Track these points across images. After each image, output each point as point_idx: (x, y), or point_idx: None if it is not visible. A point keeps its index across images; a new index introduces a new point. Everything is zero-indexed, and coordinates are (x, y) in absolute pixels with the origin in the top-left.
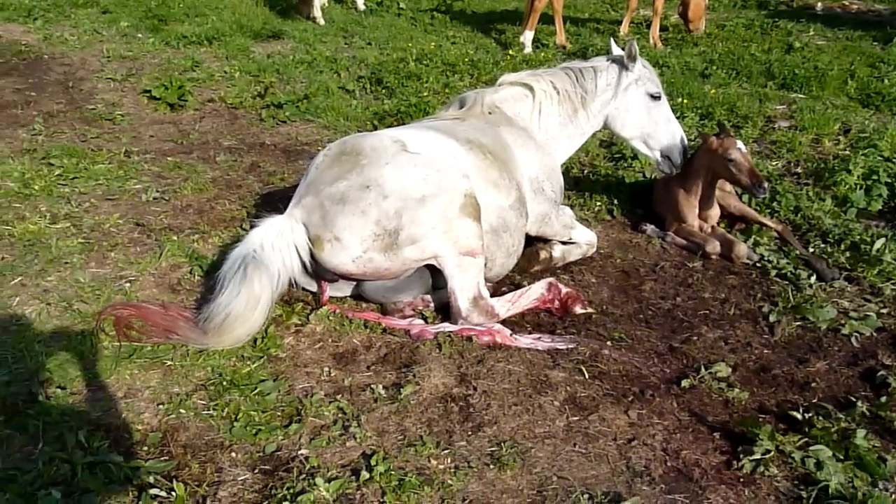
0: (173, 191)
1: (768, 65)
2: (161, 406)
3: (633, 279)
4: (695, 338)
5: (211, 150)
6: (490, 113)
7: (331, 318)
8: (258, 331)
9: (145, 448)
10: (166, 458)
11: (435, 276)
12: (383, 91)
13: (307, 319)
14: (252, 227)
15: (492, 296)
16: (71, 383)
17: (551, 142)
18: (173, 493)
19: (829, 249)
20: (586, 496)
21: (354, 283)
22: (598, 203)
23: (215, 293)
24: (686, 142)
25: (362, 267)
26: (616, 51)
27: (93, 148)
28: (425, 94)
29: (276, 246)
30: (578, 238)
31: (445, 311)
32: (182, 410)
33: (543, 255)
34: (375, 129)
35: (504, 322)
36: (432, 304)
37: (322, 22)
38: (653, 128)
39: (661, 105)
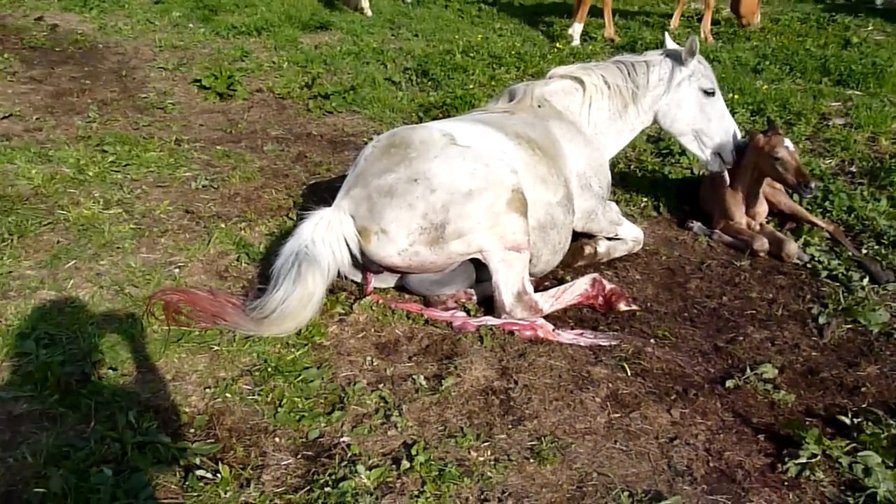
0: (222, 179)
1: (824, 60)
2: (208, 390)
3: (679, 277)
4: (741, 338)
5: (259, 139)
6: (539, 106)
7: (374, 308)
8: (307, 324)
9: (192, 430)
10: (212, 440)
11: (479, 270)
12: (429, 83)
13: (351, 309)
14: (301, 218)
15: (535, 290)
16: (122, 365)
17: (600, 137)
18: (219, 475)
19: (883, 251)
20: (626, 493)
21: (399, 275)
22: (645, 199)
23: (270, 288)
24: (739, 138)
25: (408, 260)
26: (670, 45)
27: (145, 136)
28: (471, 86)
29: (327, 240)
30: (624, 234)
31: (488, 304)
32: (228, 395)
33: (588, 250)
34: (421, 120)
35: (547, 317)
36: (475, 297)
37: (369, 13)
38: (705, 124)
39: (715, 101)
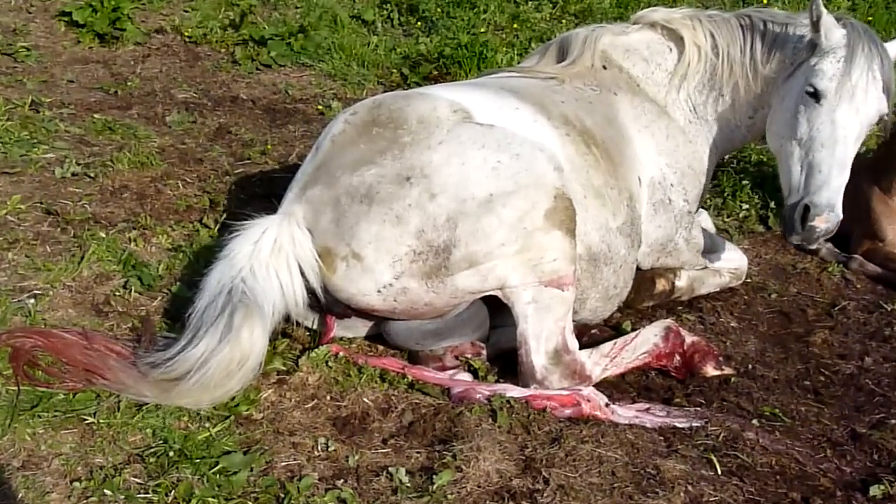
0: (102, 164)
1: None
2: (77, 484)
3: (797, 325)
4: (893, 421)
5: (159, 105)
6: (605, 68)
7: (331, 364)
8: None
9: None
10: None
11: (494, 312)
12: (418, 24)
13: (296, 365)
14: (231, 232)
15: (580, 345)
16: None
17: (696, 128)
18: None
19: None
20: None
21: (375, 321)
22: (746, 206)
23: (183, 339)
24: (837, 210)
25: (392, 300)
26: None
27: None
28: (482, 29)
29: (272, 269)
30: (719, 263)
31: (507, 362)
32: (107, 491)
33: (662, 285)
34: (406, 80)
35: (597, 385)
36: (486, 352)
37: None
38: (792, 146)
39: (826, 112)
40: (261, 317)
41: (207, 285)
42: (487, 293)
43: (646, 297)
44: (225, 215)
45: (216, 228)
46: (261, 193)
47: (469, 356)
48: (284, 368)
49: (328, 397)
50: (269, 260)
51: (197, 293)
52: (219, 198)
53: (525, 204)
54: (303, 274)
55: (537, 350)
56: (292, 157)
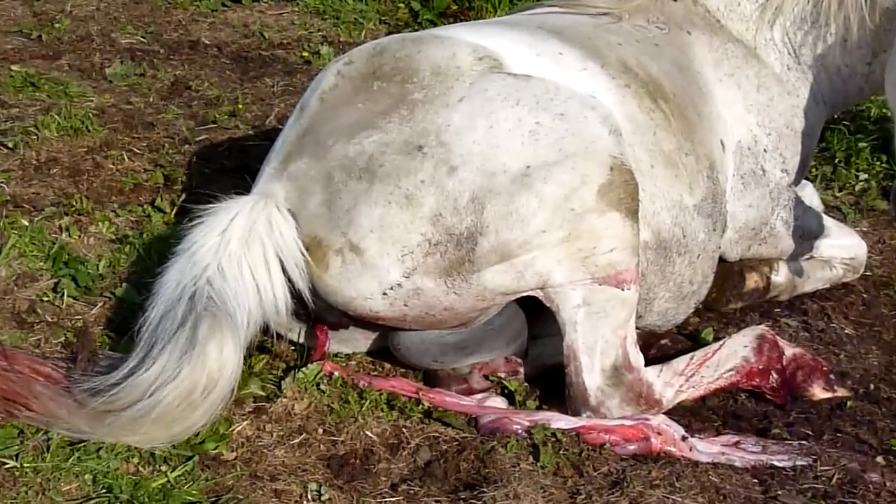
0: (23, 132)
1: None
2: None
3: None
4: None
5: (96, 53)
6: None
7: (323, 386)
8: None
9: None
10: None
11: (534, 318)
12: None
13: (278, 389)
14: (192, 219)
15: (647, 360)
16: None
17: (797, 75)
18: None
19: None
20: None
21: (379, 332)
22: (864, 176)
23: (134, 358)
24: None
25: (401, 305)
26: None
27: None
28: None
29: (246, 267)
30: (829, 251)
31: (552, 383)
32: None
33: (753, 281)
34: (416, 16)
35: (670, 412)
36: (523, 370)
37: None
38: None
39: None
40: (232, 329)
41: (163, 289)
42: (525, 294)
43: (733, 296)
44: (184, 196)
45: (172, 213)
46: (230, 167)
47: (502, 375)
48: (263, 394)
49: (320, 430)
50: (242, 255)
51: (149, 299)
52: (176, 173)
53: (572, 178)
54: (285, 272)
55: (591, 367)
56: (270, 120)
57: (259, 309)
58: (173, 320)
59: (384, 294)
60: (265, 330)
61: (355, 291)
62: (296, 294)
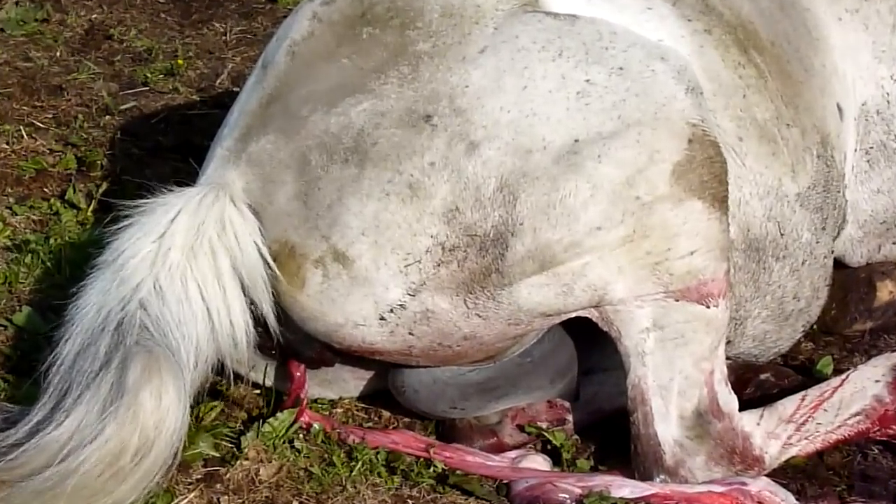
0: None
1: None
2: None
3: None
4: None
5: None
6: None
7: (299, 442)
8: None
9: None
10: None
11: (586, 347)
12: None
13: (236, 448)
14: (117, 217)
15: (741, 401)
16: None
17: None
18: None
19: None
20: None
21: (372, 370)
22: None
23: (39, 413)
24: None
25: (405, 333)
26: None
27: None
28: None
29: (193, 284)
30: None
31: (611, 433)
32: None
33: (886, 292)
34: None
35: (775, 473)
36: (571, 417)
37: None
38: None
39: None
40: (174, 370)
41: (79, 315)
42: (573, 315)
43: (859, 313)
44: (105, 186)
45: (90, 210)
46: (167, 146)
47: (544, 425)
48: (217, 455)
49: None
50: (187, 268)
51: (60, 328)
52: (93, 155)
53: (637, 155)
54: (245, 291)
55: (665, 414)
56: (221, 80)
57: (210, 341)
58: (94, 358)
59: (382, 319)
60: (219, 369)
61: (342, 316)
62: (260, 320)
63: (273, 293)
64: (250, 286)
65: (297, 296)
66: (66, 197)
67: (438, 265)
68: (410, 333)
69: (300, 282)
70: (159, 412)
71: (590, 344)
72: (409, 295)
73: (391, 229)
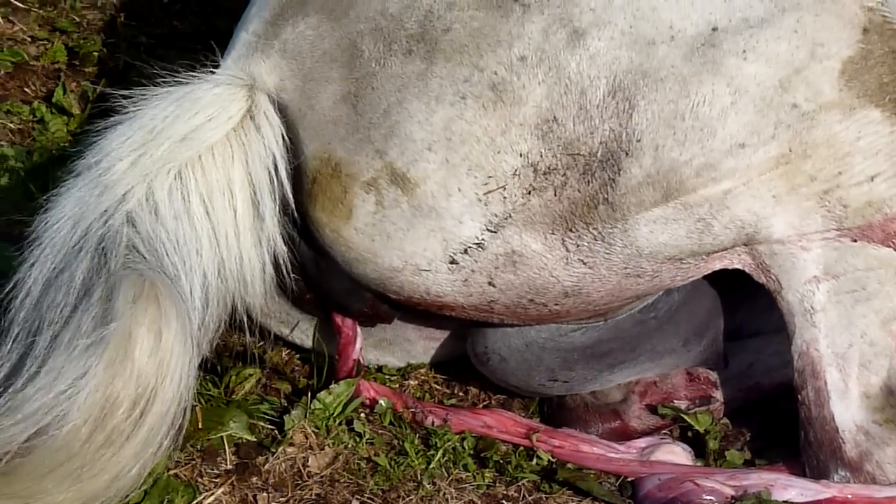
0: None
1: None
2: None
3: None
4: None
5: None
6: None
7: (359, 423)
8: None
9: None
10: None
11: (734, 303)
12: None
13: (277, 430)
14: (114, 112)
15: None
16: None
17: None
18: None
19: None
20: None
21: (449, 330)
22: None
23: (5, 363)
24: None
25: (484, 281)
26: None
27: None
28: None
29: (197, 198)
30: None
31: (774, 417)
32: None
33: None
34: None
35: None
36: (719, 394)
37: None
38: None
39: None
40: (175, 301)
41: (49, 233)
42: (715, 262)
43: None
44: (103, 85)
45: (84, 116)
46: (185, 32)
47: (683, 405)
48: (253, 439)
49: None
50: (190, 177)
51: (28, 248)
52: (89, 44)
53: (794, 49)
54: (264, 218)
55: (844, 391)
56: None
57: (221, 276)
58: (68, 288)
59: (453, 263)
60: (237, 322)
61: (400, 258)
62: (294, 255)
63: (312, 225)
64: (274, 212)
65: (341, 229)
66: (54, 99)
67: (529, 193)
68: (491, 284)
69: (346, 211)
70: (160, 352)
71: (741, 298)
72: (490, 231)
73: (467, 144)
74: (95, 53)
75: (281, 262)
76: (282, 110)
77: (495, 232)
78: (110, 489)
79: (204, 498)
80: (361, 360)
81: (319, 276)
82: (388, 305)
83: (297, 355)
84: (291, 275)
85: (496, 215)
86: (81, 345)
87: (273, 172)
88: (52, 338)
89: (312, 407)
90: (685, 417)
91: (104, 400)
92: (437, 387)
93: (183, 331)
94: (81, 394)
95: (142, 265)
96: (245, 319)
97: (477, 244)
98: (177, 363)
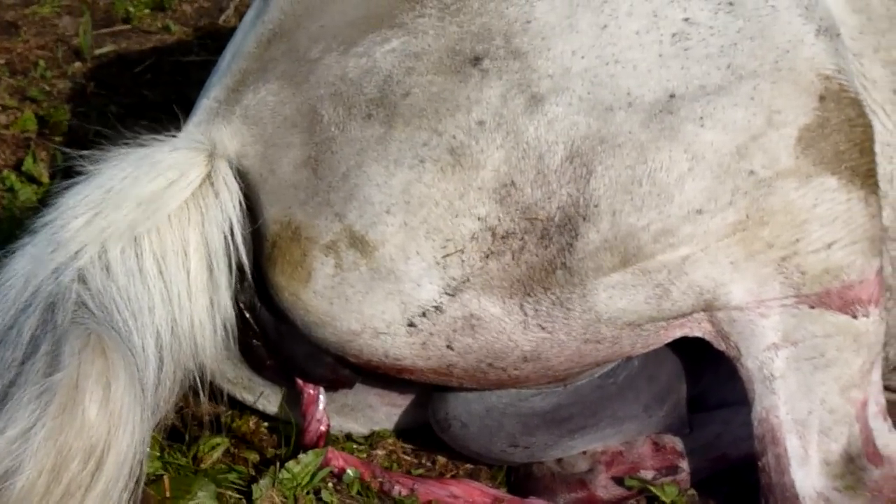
0: None
1: None
2: None
3: None
4: None
5: None
6: None
7: (327, 493)
8: None
9: None
10: None
11: (697, 368)
12: None
13: (245, 499)
14: (73, 174)
15: None
16: None
17: None
18: None
19: None
20: None
21: (410, 394)
22: None
23: None
24: None
25: (442, 344)
26: None
27: None
28: None
29: (150, 258)
30: None
31: (743, 488)
32: None
33: None
34: None
35: None
36: (685, 464)
37: None
38: None
39: None
40: (121, 352)
41: (3, 288)
42: (675, 328)
43: None
44: (72, 154)
45: (53, 184)
46: (154, 102)
47: (650, 475)
48: None
49: None
50: (144, 237)
51: None
52: (59, 113)
53: (751, 116)
54: (218, 283)
55: (804, 457)
56: (225, 18)
57: (175, 335)
58: (15, 345)
59: (411, 326)
60: (220, 397)
61: (358, 321)
62: (250, 320)
63: (271, 289)
64: (227, 277)
65: (300, 292)
66: (24, 168)
67: (487, 256)
68: (449, 347)
69: (305, 274)
70: (110, 403)
71: (704, 365)
72: (448, 294)
73: (425, 207)
74: (65, 122)
75: (231, 327)
76: (242, 176)
77: (453, 295)
78: None
79: None
80: (327, 421)
81: (280, 341)
82: (349, 370)
83: (265, 424)
84: (252, 341)
85: (454, 279)
86: (29, 395)
87: (229, 237)
88: (2, 394)
89: (280, 476)
90: (652, 488)
91: (56, 451)
92: (405, 456)
93: (132, 383)
94: (32, 443)
95: (90, 320)
96: (209, 387)
97: (435, 307)
98: (128, 414)
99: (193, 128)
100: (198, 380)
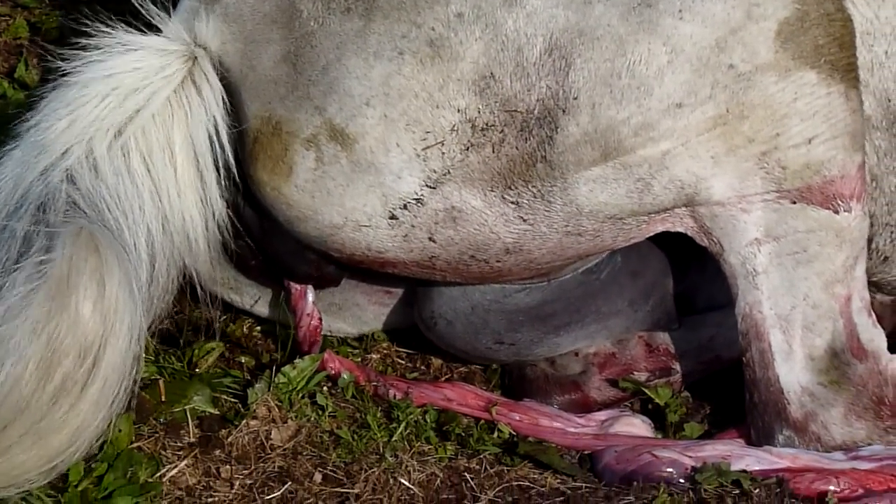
0: None
1: None
2: None
3: None
4: None
5: None
6: None
7: (323, 396)
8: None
9: None
10: None
11: (686, 269)
12: None
13: (240, 403)
14: (54, 75)
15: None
16: None
17: None
18: None
19: None
20: None
21: (399, 289)
22: None
23: None
24: None
25: (423, 237)
26: None
27: None
28: None
29: (138, 157)
30: None
31: (729, 383)
32: None
33: None
34: None
35: None
36: (678, 365)
37: None
38: None
39: None
40: (115, 249)
41: None
42: (657, 223)
43: None
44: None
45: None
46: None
47: (643, 377)
48: (216, 412)
49: (318, 478)
50: (130, 136)
51: None
52: (50, 20)
53: (730, 9)
54: (206, 178)
55: (788, 352)
56: None
57: (166, 231)
58: (9, 244)
59: (392, 218)
60: (214, 300)
61: (340, 214)
62: (235, 218)
63: (253, 186)
64: (214, 174)
65: (282, 187)
66: (16, 74)
67: (467, 148)
68: (431, 239)
69: (286, 168)
70: (105, 300)
71: (690, 262)
72: (429, 187)
73: (405, 99)
74: (57, 28)
75: (224, 223)
76: (223, 73)
77: (434, 188)
78: (73, 445)
79: (167, 470)
80: (318, 315)
81: (264, 239)
82: (333, 266)
83: (260, 328)
84: (237, 239)
85: (435, 171)
86: (20, 279)
87: (214, 134)
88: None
89: (276, 380)
90: (645, 390)
91: (47, 344)
92: (400, 360)
93: (127, 280)
94: (21, 332)
95: (82, 219)
96: (201, 291)
97: (416, 200)
98: (124, 311)
99: (174, 26)
100: (193, 282)
